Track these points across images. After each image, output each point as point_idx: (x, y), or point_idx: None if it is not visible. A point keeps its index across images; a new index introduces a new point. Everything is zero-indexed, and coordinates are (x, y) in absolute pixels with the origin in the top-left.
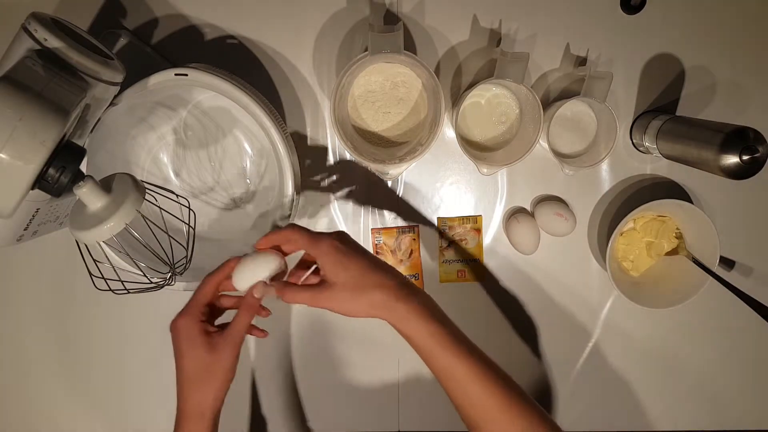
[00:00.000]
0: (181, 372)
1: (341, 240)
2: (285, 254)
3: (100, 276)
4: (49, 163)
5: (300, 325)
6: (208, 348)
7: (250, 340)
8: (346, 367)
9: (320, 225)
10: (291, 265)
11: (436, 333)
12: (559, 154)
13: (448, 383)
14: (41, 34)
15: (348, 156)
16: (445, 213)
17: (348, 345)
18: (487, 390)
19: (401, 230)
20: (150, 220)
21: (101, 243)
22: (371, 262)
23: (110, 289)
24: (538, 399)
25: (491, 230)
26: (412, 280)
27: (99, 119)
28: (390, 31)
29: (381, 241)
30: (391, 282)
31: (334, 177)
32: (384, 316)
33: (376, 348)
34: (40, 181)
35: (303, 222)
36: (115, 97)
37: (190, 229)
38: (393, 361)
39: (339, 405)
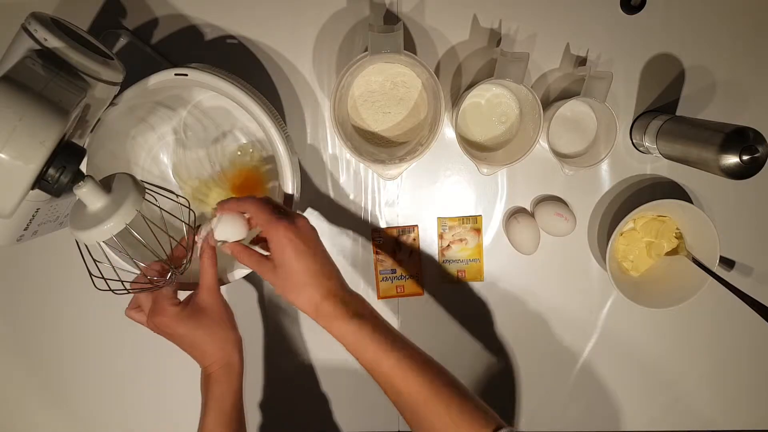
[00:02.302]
0: (188, 347)
1: (296, 233)
2: None
3: (100, 276)
4: (49, 163)
5: (301, 325)
6: (196, 316)
7: (254, 337)
8: (346, 368)
9: (320, 225)
10: None
11: (357, 331)
12: (559, 154)
13: (376, 378)
14: (41, 34)
15: (348, 156)
16: (445, 213)
17: None
18: (410, 381)
19: (401, 230)
20: (150, 220)
21: (101, 243)
22: (314, 265)
23: (110, 289)
24: (537, 398)
25: (491, 230)
26: (412, 280)
27: (99, 119)
28: (390, 31)
29: (381, 241)
30: (323, 288)
31: (334, 177)
32: (313, 317)
33: None
34: (40, 181)
35: None
36: (115, 97)
37: (190, 229)
38: None
39: (339, 405)
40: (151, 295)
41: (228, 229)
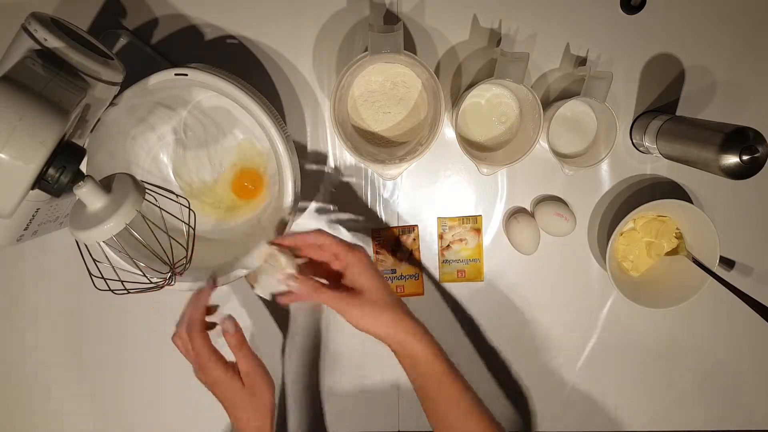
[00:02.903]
0: (226, 405)
1: (367, 254)
2: (296, 256)
3: (100, 276)
4: (49, 163)
5: (300, 326)
6: (237, 384)
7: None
8: (346, 368)
9: (320, 226)
10: None
11: (438, 354)
12: (559, 154)
13: (434, 392)
14: (41, 34)
15: (348, 156)
16: (445, 213)
17: (347, 345)
18: (471, 417)
19: (401, 230)
20: (150, 220)
21: (101, 243)
22: (386, 283)
23: (110, 289)
24: (537, 398)
25: (491, 230)
26: (412, 280)
27: (99, 119)
28: (390, 31)
29: (381, 241)
30: (401, 305)
31: (334, 177)
32: (394, 334)
33: (376, 348)
34: (40, 181)
35: (305, 222)
36: (115, 97)
37: (190, 229)
38: (392, 360)
39: (339, 405)
40: (199, 346)
41: (291, 264)
